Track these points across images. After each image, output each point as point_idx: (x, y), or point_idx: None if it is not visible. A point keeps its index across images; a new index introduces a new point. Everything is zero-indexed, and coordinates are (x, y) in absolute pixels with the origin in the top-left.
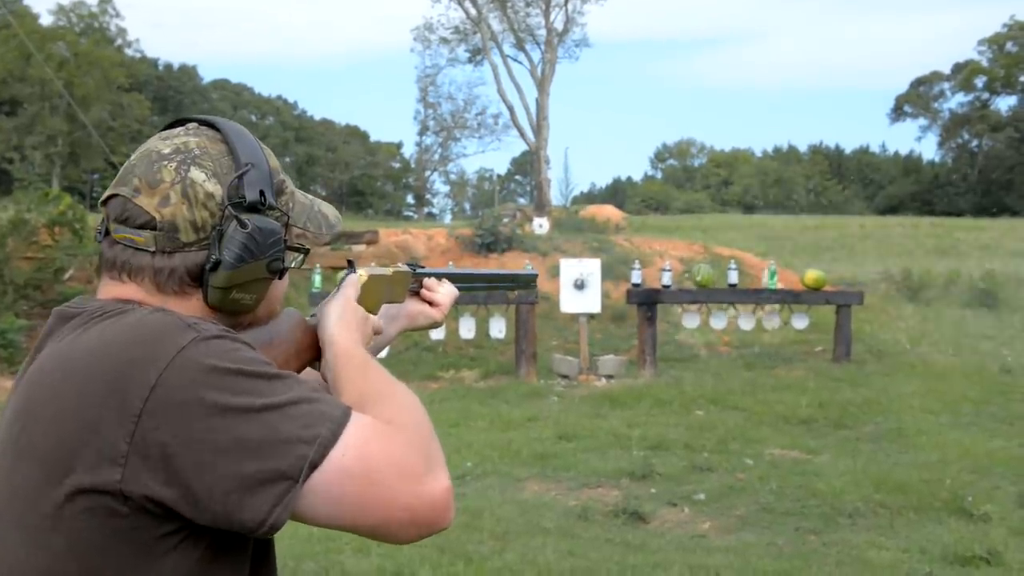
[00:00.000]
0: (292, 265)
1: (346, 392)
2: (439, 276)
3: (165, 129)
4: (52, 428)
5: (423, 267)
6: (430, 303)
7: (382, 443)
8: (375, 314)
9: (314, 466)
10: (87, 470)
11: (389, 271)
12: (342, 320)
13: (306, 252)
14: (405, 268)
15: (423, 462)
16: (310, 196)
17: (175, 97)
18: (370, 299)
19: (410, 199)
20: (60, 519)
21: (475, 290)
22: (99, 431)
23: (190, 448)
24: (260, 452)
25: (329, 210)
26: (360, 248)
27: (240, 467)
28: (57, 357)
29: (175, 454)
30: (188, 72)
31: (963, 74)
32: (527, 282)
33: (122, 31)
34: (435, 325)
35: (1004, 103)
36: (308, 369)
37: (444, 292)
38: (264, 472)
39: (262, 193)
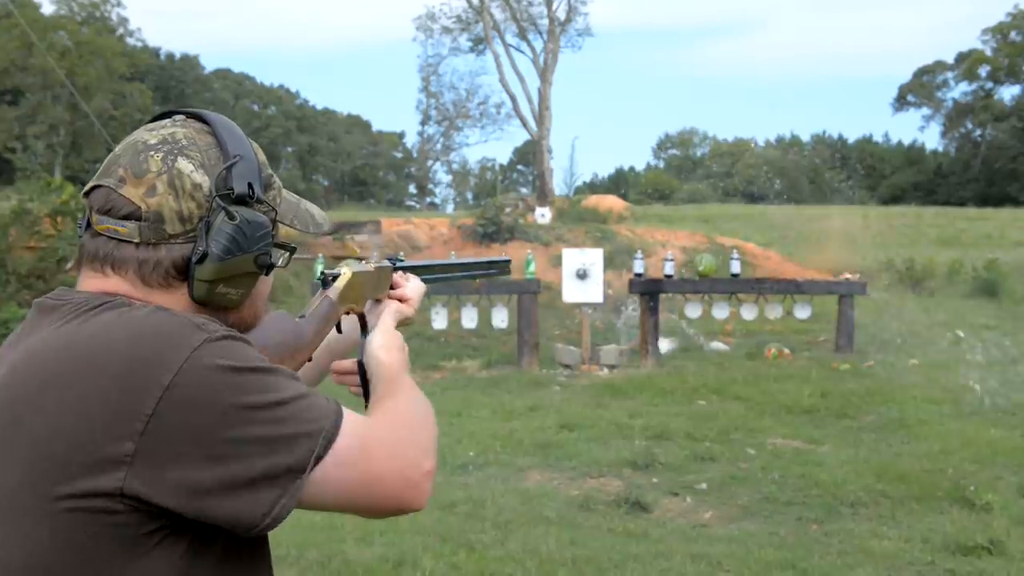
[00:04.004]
0: (279, 263)
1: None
2: (419, 269)
3: (151, 121)
4: (50, 423)
5: (403, 260)
6: (400, 299)
7: (376, 432)
8: (361, 309)
9: (319, 459)
10: (87, 470)
11: (371, 267)
12: (386, 348)
13: (292, 250)
14: (387, 263)
15: (414, 450)
16: (296, 195)
17: (177, 86)
18: (354, 295)
19: (412, 189)
20: (49, 515)
21: (454, 279)
22: (104, 430)
23: (202, 446)
24: (270, 449)
25: (315, 210)
26: (363, 238)
27: (251, 464)
28: (50, 350)
29: (186, 452)
30: (190, 62)
31: (967, 63)
32: (502, 267)
33: (124, 20)
34: (407, 322)
35: (1008, 92)
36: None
37: (412, 287)
38: (274, 468)
39: (250, 185)
